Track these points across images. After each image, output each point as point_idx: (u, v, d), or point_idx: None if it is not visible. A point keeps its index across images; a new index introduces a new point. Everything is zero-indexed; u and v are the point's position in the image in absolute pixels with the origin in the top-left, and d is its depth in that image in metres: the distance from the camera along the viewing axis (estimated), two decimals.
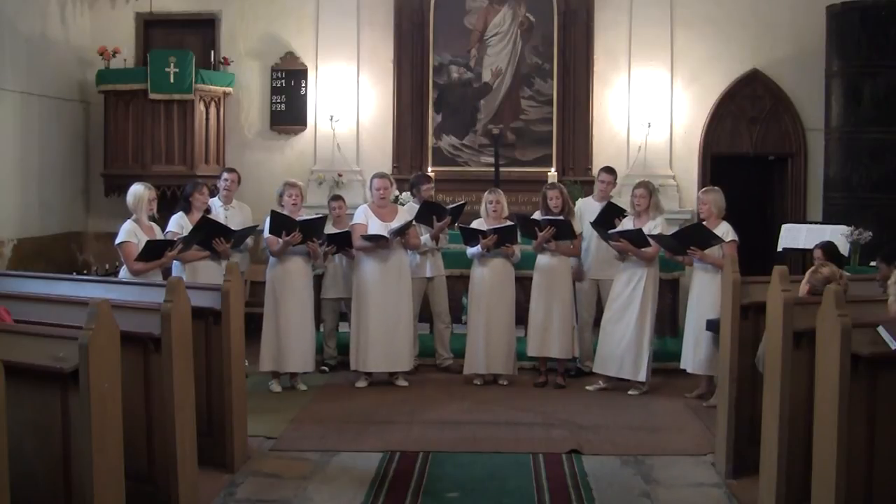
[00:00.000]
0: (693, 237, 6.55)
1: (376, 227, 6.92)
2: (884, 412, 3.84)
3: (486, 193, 7.30)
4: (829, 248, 6.17)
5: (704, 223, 6.64)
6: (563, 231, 6.98)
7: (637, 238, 6.71)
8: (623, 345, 6.81)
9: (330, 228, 7.46)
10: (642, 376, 6.83)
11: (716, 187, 6.86)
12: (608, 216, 7.12)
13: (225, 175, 7.70)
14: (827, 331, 3.90)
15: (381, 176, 7.16)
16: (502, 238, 6.99)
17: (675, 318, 8.05)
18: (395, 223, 6.92)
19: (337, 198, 7.99)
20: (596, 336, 7.16)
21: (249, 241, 7.43)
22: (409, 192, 8.35)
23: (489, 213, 7.17)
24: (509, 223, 7.08)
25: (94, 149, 9.79)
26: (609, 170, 7.66)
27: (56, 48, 9.38)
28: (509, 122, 9.81)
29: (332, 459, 5.38)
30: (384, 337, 6.93)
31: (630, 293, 6.83)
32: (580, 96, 9.74)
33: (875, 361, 3.81)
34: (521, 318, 7.29)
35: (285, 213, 6.90)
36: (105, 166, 9.39)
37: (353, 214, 7.33)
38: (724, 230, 6.54)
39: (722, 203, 6.68)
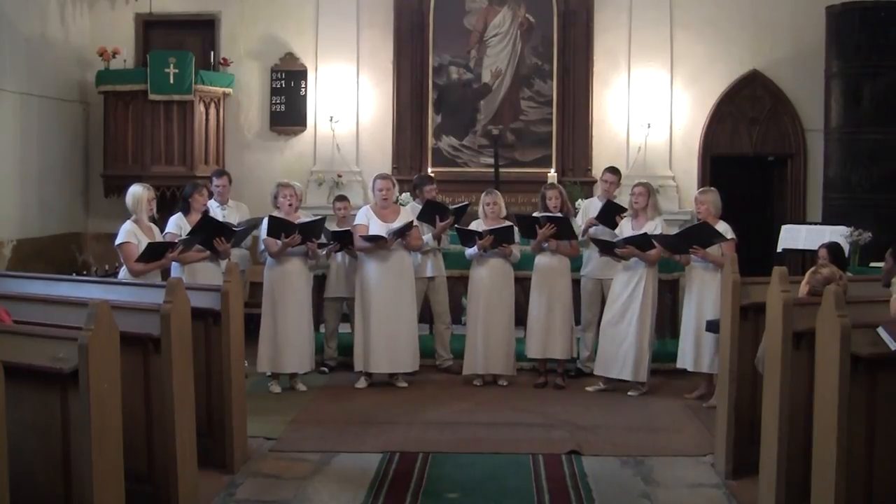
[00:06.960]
0: (697, 236, 6.56)
1: (377, 227, 6.90)
2: (884, 412, 3.83)
3: (483, 195, 7.31)
4: (833, 249, 6.17)
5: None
6: (564, 230, 6.98)
7: (643, 242, 6.71)
8: (624, 346, 6.80)
9: (333, 228, 7.46)
10: (643, 377, 6.84)
11: (712, 188, 6.89)
12: (609, 214, 7.13)
13: (215, 181, 7.71)
14: (827, 331, 3.90)
15: (384, 177, 7.15)
16: (499, 238, 6.99)
17: (675, 319, 8.04)
18: (397, 224, 6.92)
19: (341, 198, 7.99)
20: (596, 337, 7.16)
21: (249, 239, 7.43)
22: (409, 193, 8.33)
23: (486, 214, 7.18)
24: (506, 223, 7.08)
25: (94, 149, 9.80)
26: (613, 170, 7.65)
27: (56, 49, 9.38)
28: (509, 123, 9.82)
29: (332, 460, 5.37)
30: (388, 338, 6.91)
31: (630, 294, 6.82)
32: (580, 97, 9.75)
33: (875, 362, 3.80)
34: (521, 318, 7.29)
35: (282, 214, 6.88)
36: (105, 167, 9.39)
37: (356, 215, 7.33)
38: (723, 230, 6.54)
39: (719, 203, 6.69)
